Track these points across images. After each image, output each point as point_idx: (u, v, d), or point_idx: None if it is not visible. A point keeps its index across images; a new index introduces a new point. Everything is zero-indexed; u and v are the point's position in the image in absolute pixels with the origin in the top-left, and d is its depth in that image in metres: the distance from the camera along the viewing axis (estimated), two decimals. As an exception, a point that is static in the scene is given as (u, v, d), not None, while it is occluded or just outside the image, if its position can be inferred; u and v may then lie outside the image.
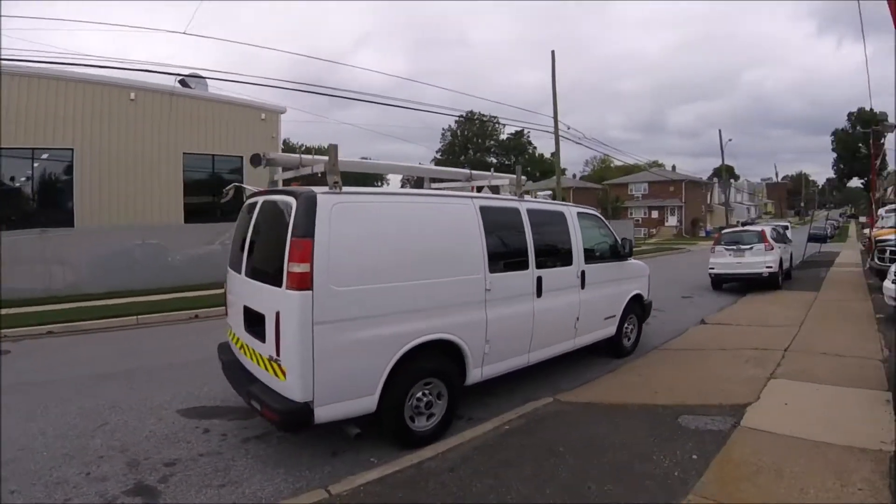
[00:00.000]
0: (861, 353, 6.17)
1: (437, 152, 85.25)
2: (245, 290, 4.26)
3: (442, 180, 6.41)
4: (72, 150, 14.78)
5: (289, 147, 43.51)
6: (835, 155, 74.01)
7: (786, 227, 17.99)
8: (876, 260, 11.49)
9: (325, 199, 3.63)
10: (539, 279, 5.08)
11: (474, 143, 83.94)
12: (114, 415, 4.81)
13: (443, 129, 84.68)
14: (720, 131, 39.79)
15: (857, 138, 70.72)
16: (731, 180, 51.57)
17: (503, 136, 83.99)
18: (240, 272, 4.39)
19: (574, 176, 72.54)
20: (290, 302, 3.47)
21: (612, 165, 70.09)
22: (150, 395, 5.34)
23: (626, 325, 6.65)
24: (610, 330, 6.36)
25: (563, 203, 6.44)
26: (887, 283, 8.22)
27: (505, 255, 4.80)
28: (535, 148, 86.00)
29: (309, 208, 3.59)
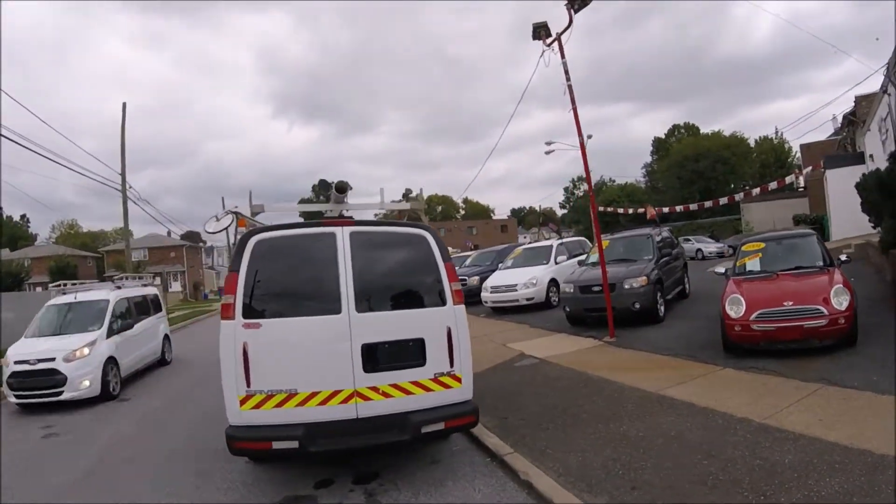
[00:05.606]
0: (512, 327, 12.10)
1: None
2: (361, 327, 4.08)
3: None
4: None
5: None
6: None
7: None
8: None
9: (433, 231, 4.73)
10: None
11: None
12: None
13: None
14: (235, 204, 46.55)
15: (319, 204, 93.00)
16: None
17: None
18: (337, 312, 4.09)
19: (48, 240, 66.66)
20: (459, 315, 4.27)
21: (79, 231, 69.18)
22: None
23: None
24: None
25: None
26: (485, 295, 14.91)
27: None
28: (10, 217, 72.93)
29: (439, 239, 4.46)
